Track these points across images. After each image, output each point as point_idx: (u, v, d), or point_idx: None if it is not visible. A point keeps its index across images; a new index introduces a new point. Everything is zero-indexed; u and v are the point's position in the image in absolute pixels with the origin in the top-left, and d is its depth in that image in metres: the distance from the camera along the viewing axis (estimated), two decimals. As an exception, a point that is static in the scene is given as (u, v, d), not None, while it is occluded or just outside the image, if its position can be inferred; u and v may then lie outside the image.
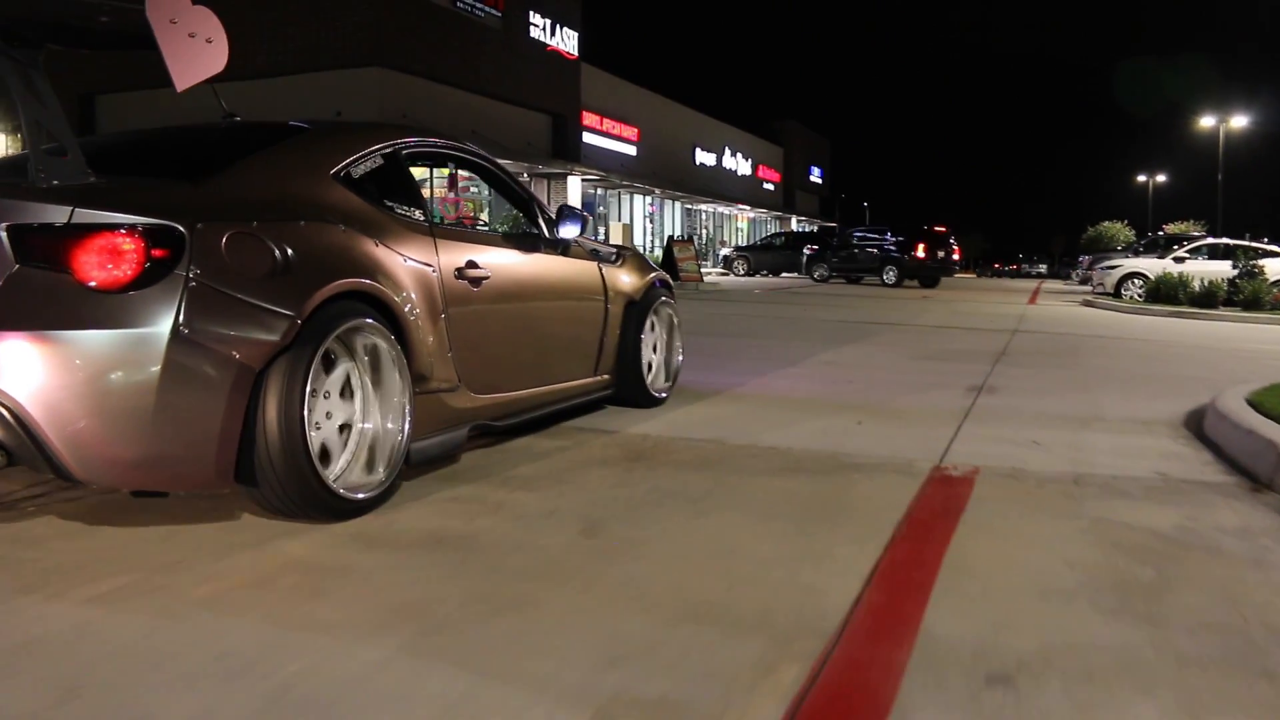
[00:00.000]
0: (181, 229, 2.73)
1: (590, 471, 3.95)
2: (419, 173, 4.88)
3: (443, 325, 3.64)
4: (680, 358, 5.95)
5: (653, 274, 5.67)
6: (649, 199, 42.38)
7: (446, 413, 3.70)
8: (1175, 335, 13.14)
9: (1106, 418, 5.68)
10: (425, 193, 4.77)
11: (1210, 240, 23.80)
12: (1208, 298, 19.22)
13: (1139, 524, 3.33)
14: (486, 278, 3.95)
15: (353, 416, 3.27)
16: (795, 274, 35.36)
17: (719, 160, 51.52)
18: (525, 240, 4.53)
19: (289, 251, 2.98)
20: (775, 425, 5.13)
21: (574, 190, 33.30)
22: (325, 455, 3.11)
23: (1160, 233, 36.59)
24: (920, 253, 29.44)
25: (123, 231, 2.65)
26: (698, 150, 48.77)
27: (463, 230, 4.37)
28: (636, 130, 40.80)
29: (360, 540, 2.97)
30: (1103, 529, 3.29)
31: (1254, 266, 19.93)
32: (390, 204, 3.66)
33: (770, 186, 60.50)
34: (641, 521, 3.25)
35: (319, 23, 26.87)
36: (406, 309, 3.39)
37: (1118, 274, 23.31)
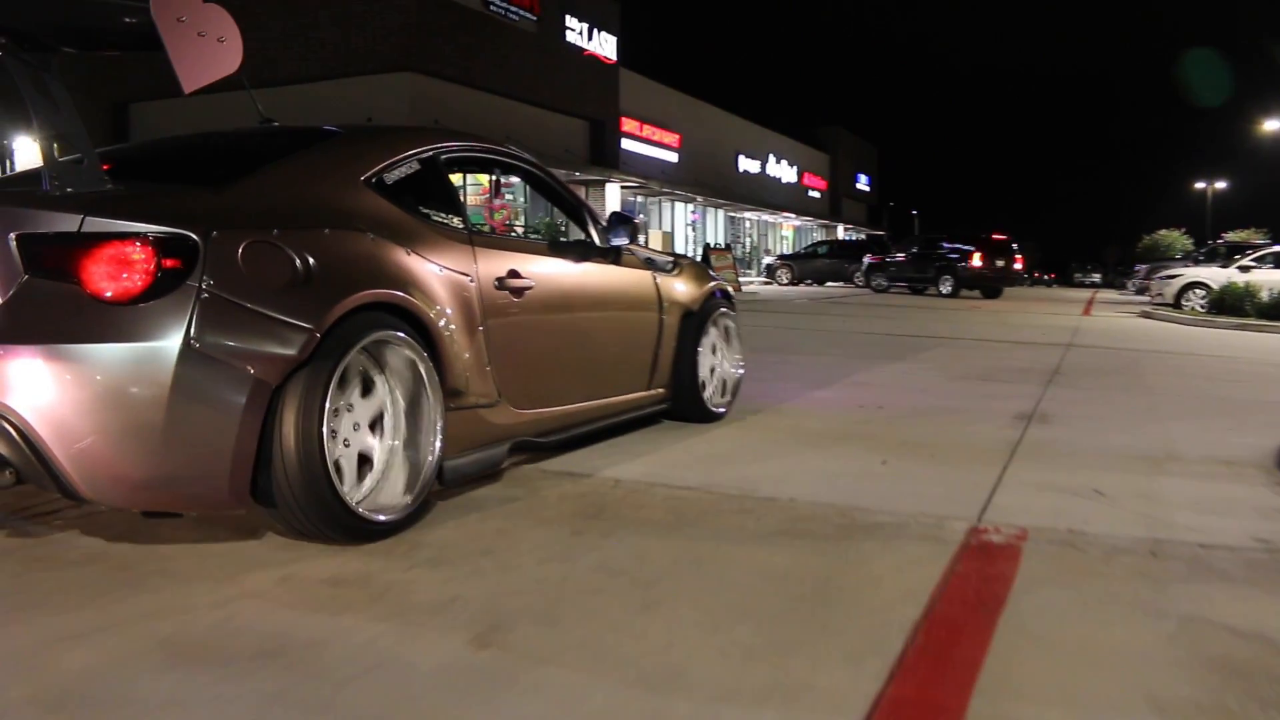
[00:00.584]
0: (195, 238, 2.63)
1: (527, 536, 3.14)
2: (462, 179, 4.83)
3: (481, 337, 3.50)
4: (740, 371, 5.72)
5: (711, 284, 5.44)
6: (690, 207, 41.55)
7: (484, 429, 3.56)
8: (1246, 351, 12.05)
9: (1182, 456, 4.77)
10: (472, 200, 4.70)
11: (1278, 248, 22.44)
12: (1278, 309, 18.01)
13: (1247, 627, 2.45)
14: (529, 287, 3.79)
15: (379, 434, 3.13)
16: (841, 283, 34.29)
17: (763, 167, 50.58)
18: (573, 248, 4.37)
19: (311, 261, 2.85)
20: (782, 465, 4.31)
21: (612, 198, 32.57)
22: (357, 473, 3.02)
23: (1220, 240, 35.09)
24: (977, 261, 27.84)
25: (133, 240, 2.56)
26: (741, 157, 47.86)
27: (504, 238, 4.27)
28: (678, 136, 39.97)
29: (174, 646, 2.20)
30: (1197, 637, 2.40)
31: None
32: (426, 211, 3.54)
33: (816, 194, 59.39)
34: (563, 620, 2.43)
35: (348, 28, 26.35)
36: (439, 321, 3.26)
37: (1178, 284, 22.06)
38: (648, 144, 37.79)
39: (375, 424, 3.12)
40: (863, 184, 69.38)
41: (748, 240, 49.08)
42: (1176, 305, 21.57)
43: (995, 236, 29.03)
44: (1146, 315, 20.58)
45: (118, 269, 2.54)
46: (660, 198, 38.34)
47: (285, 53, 26.90)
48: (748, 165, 48.77)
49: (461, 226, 3.66)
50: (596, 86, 33.38)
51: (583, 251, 4.38)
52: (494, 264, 3.64)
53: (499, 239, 4.15)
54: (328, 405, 2.77)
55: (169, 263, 2.58)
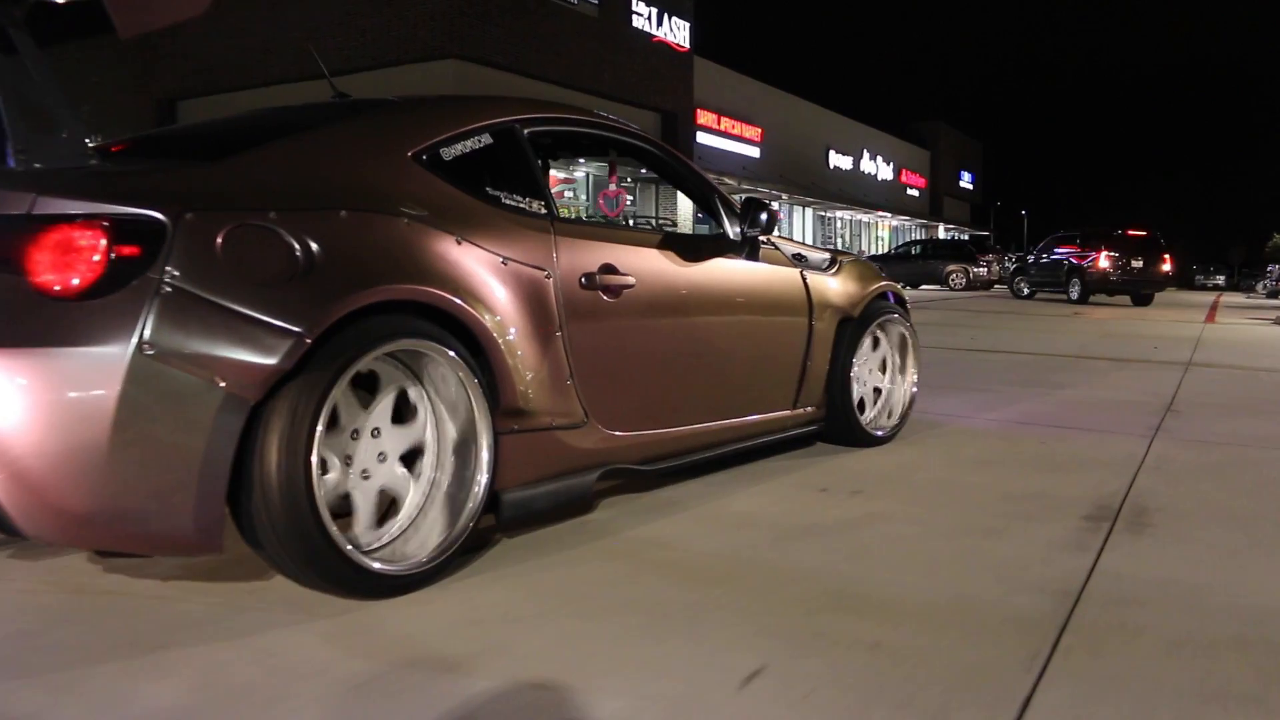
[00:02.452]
0: (163, 219, 2.21)
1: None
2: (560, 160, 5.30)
3: (560, 345, 3.01)
4: (914, 389, 5.00)
5: (877, 284, 4.74)
6: (775, 205, 38.96)
7: (564, 455, 3.07)
8: None
9: None
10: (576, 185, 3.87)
11: None
12: None
13: None
14: (629, 286, 3.26)
15: (417, 469, 2.72)
16: (936, 286, 31.40)
17: (856, 164, 47.97)
18: (691, 241, 3.79)
19: (315, 249, 2.40)
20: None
21: (683, 199, 30.35)
22: (376, 513, 2.63)
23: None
24: (1104, 263, 23.26)
25: (84, 224, 2.17)
26: (831, 153, 45.31)
27: (597, 227, 3.75)
28: (759, 130, 37.52)
29: None
30: None
31: None
32: (495, 193, 3.03)
33: (915, 192, 56.42)
34: None
35: (389, 13, 24.68)
36: (494, 324, 2.77)
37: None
38: (726, 138, 35.47)
39: (414, 456, 2.71)
40: (966, 182, 66.16)
41: (839, 240, 46.41)
42: (1322, 311, 18.49)
43: (1131, 232, 24.41)
44: (1283, 323, 17.54)
45: (64, 257, 2.15)
46: (740, 196, 35.90)
47: (328, 43, 25.44)
48: (839, 161, 46.21)
49: (542, 212, 3.14)
50: (668, 76, 31.16)
51: (705, 245, 3.79)
52: (582, 257, 3.16)
53: (591, 228, 3.59)
54: (319, 429, 2.33)
55: (125, 250, 2.18)
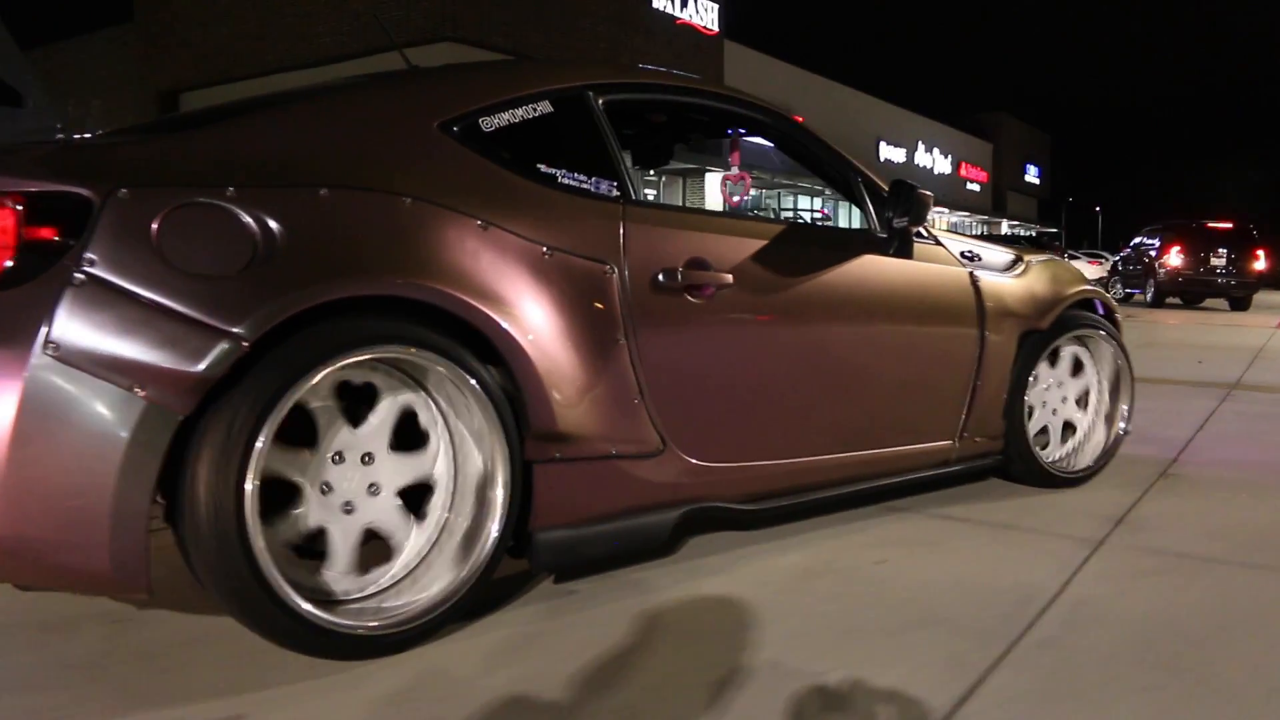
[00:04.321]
0: (90, 197, 1.95)
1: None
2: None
3: (626, 355, 2.57)
4: (1124, 424, 4.07)
5: (1076, 289, 3.91)
6: (818, 200, 36.93)
7: (630, 488, 2.65)
8: None
9: None
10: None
11: None
12: None
13: None
14: (724, 285, 2.78)
15: (427, 510, 2.42)
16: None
17: (910, 156, 45.62)
18: (817, 235, 3.75)
19: (278, 234, 2.08)
20: None
21: (712, 191, 28.42)
22: (357, 554, 2.30)
23: None
24: (1175, 259, 19.96)
25: None
26: (882, 145, 42.96)
27: (686, 214, 2.95)
28: (798, 120, 35.37)
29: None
30: None
31: None
32: (550, 170, 2.62)
33: (976, 187, 53.81)
34: None
35: (380, -8, 23.11)
36: (520, 328, 2.36)
37: None
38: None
39: (423, 493, 2.39)
40: (1032, 175, 63.22)
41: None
42: None
43: (1214, 224, 20.69)
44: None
45: None
46: (780, 190, 33.99)
47: (321, 27, 24.15)
48: (890, 153, 43.81)
49: (611, 194, 2.68)
50: (694, 61, 29.16)
51: (836, 239, 3.49)
52: (662, 249, 2.69)
53: (679, 214, 2.94)
54: (259, 446, 2.01)
55: (40, 232, 1.93)
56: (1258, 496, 3.79)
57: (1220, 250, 19.83)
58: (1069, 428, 4.02)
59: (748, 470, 2.94)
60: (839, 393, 3.18)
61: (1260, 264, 20.16)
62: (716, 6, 29.90)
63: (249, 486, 2.00)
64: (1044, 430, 3.94)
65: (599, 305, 2.55)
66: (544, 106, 2.72)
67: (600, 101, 2.84)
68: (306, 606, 2.09)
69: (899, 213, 3.27)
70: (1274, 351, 10.54)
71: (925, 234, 3.47)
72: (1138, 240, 22.98)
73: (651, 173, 27.82)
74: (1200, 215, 23.19)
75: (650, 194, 27.52)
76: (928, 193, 3.28)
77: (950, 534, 3.27)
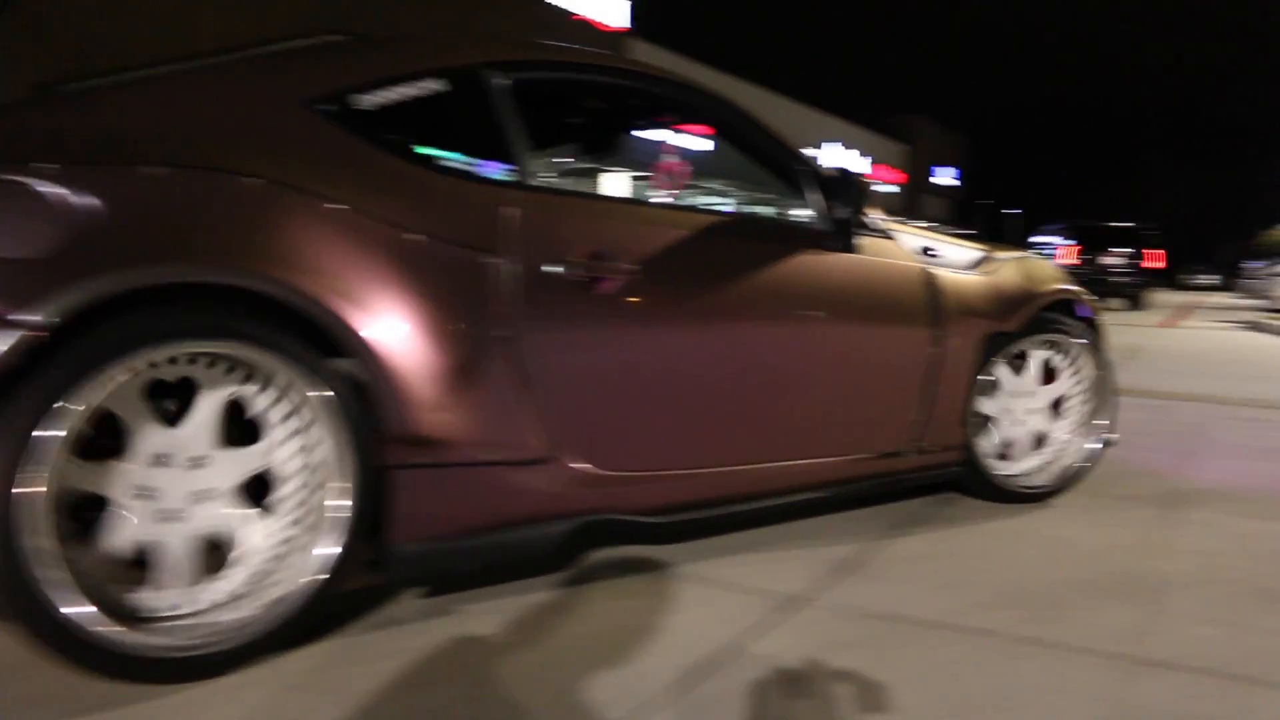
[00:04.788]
0: None
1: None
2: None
3: (509, 352, 2.38)
4: (1106, 436, 3.83)
5: (1050, 289, 3.69)
6: (730, 201, 36.75)
7: (512, 498, 2.46)
8: None
9: None
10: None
11: None
12: None
13: None
14: (631, 278, 2.56)
15: (263, 516, 2.23)
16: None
17: (827, 158, 45.56)
18: (745, 226, 3.06)
19: (100, 214, 1.94)
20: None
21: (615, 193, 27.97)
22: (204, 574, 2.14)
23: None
24: (1065, 259, 19.91)
25: None
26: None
27: (591, 200, 2.69)
28: (734, 103, 35.09)
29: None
30: None
31: None
32: (433, 152, 2.65)
33: (893, 188, 54.21)
34: None
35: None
36: (371, 320, 2.17)
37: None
38: (640, 138, 33.03)
39: (258, 502, 2.20)
40: (949, 178, 63.89)
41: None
42: (1300, 313, 16.20)
43: (1110, 225, 20.97)
44: (1255, 326, 15.22)
45: None
46: (684, 191, 33.67)
47: (199, 23, 23.30)
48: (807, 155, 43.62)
49: (502, 178, 2.53)
50: (599, 60, 28.73)
51: (766, 230, 3.07)
52: (556, 238, 2.48)
53: (583, 200, 2.64)
54: (41, 440, 1.86)
55: None
56: (1089, 522, 3.47)
57: (1116, 250, 20.06)
58: (1041, 439, 3.78)
59: (656, 481, 2.75)
60: (769, 399, 2.96)
61: (1154, 264, 20.47)
62: (628, 4, 29.53)
63: (24, 489, 1.86)
64: (1006, 443, 3.71)
65: (478, 298, 2.36)
66: (432, 84, 2.55)
67: (496, 80, 2.63)
68: (88, 624, 1.94)
69: (841, 203, 3.06)
70: (1153, 350, 10.48)
71: (877, 228, 3.25)
72: (1036, 240, 23.08)
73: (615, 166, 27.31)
74: (1115, 217, 23.27)
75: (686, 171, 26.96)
76: (866, 180, 3.12)
77: (617, 592, 2.78)
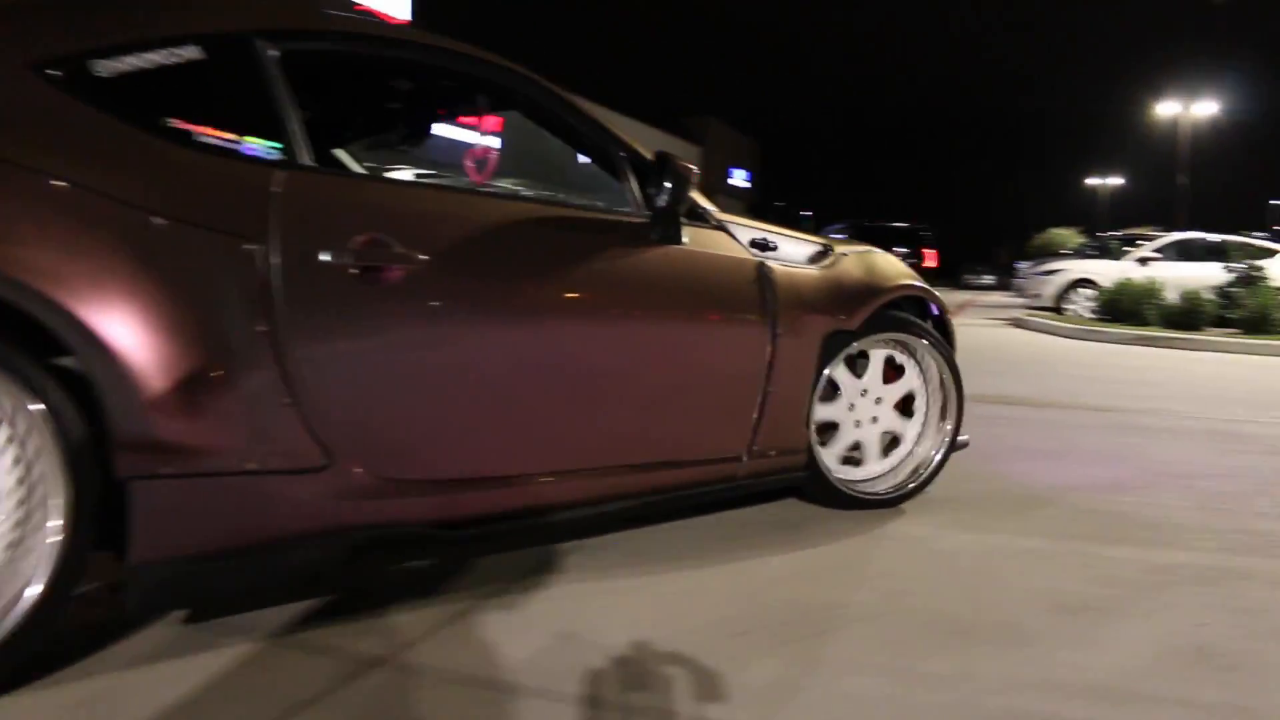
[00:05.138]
0: None
1: None
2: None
3: (273, 350, 2.17)
4: (938, 455, 3.65)
5: (895, 285, 3.56)
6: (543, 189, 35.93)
7: (280, 510, 2.23)
8: (1159, 384, 7.15)
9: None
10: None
11: (1186, 235, 17.58)
12: (1189, 315, 13.05)
13: None
14: (414, 268, 2.35)
15: None
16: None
17: (617, 158, 45.34)
18: (560, 215, 2.76)
19: None
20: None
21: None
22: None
23: (1114, 234, 30.80)
24: None
25: None
26: None
27: (377, 184, 2.70)
28: (499, 120, 34.32)
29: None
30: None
31: (1253, 269, 13.77)
32: (186, 126, 2.26)
33: (685, 189, 54.59)
34: None
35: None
36: (94, 311, 1.95)
37: (1059, 280, 17.14)
38: (443, 123, 32.06)
39: None
40: (741, 179, 64.99)
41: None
42: (1057, 309, 16.70)
43: (887, 224, 22.06)
44: (1018, 323, 15.55)
45: None
46: (493, 180, 32.68)
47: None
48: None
49: (267, 157, 2.32)
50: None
51: (582, 221, 2.80)
52: (329, 223, 2.27)
53: (363, 183, 2.65)
54: None
55: None
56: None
57: (895, 249, 20.31)
58: (893, 442, 3.64)
59: (451, 491, 2.53)
60: (580, 402, 2.75)
61: (929, 262, 21.45)
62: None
63: None
64: (858, 445, 3.57)
65: (234, 289, 2.14)
66: (191, 51, 2.31)
67: (267, 49, 2.39)
68: None
69: (660, 192, 2.86)
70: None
71: (707, 218, 3.07)
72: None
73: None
74: (901, 217, 24.00)
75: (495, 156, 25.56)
76: (690, 166, 2.86)
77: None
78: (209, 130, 2.29)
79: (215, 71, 2.34)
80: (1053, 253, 32.83)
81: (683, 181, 2.85)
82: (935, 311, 3.79)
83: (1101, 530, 3.32)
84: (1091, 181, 66.95)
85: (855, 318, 3.35)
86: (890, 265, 3.70)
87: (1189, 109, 39.93)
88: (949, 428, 3.67)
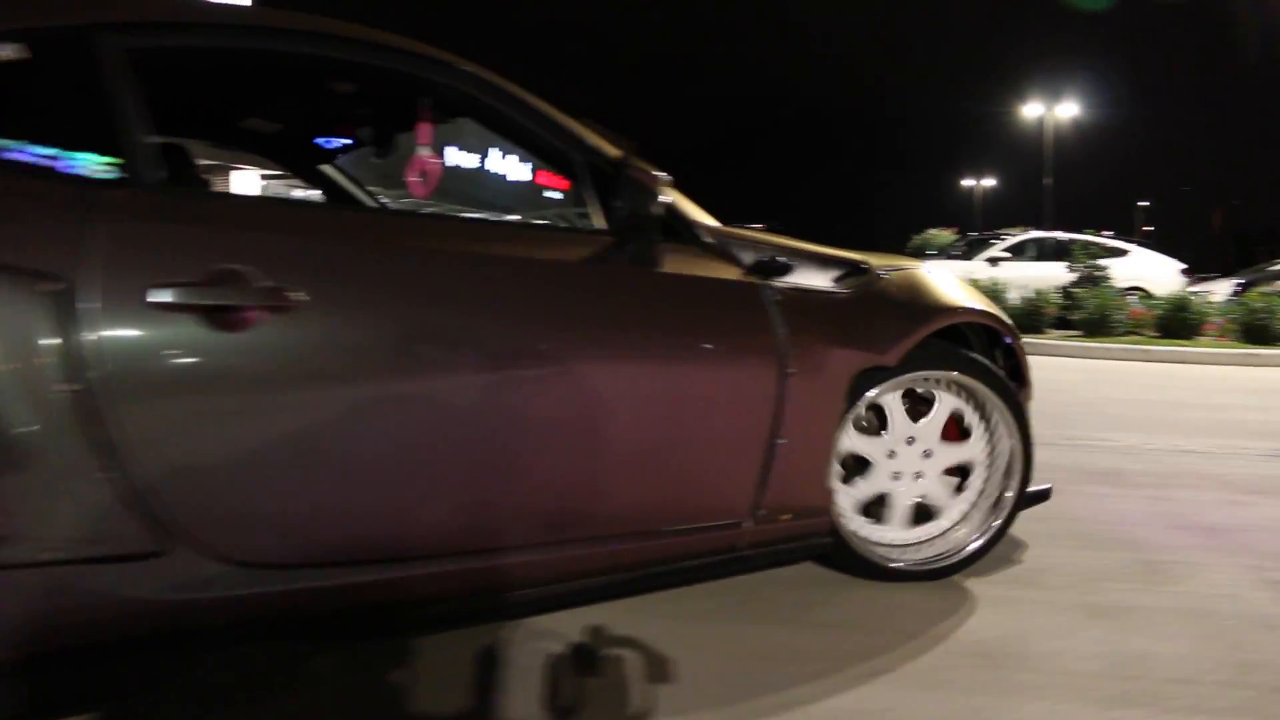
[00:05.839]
0: None
1: None
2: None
3: (90, 411, 1.83)
4: (1000, 517, 3.09)
5: (945, 312, 3.02)
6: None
7: (89, 611, 1.87)
8: None
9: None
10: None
11: (1037, 234, 17.23)
12: (1030, 316, 12.56)
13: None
14: (292, 303, 1.99)
15: None
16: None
17: (483, 162, 45.24)
18: (496, 234, 2.39)
19: None
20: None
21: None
22: None
23: (986, 233, 31.05)
24: None
25: None
26: (451, 149, 41.84)
27: (244, 206, 2.26)
28: (430, 125, 33.33)
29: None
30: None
31: (1095, 269, 13.33)
32: None
33: (559, 194, 54.27)
34: None
35: None
36: None
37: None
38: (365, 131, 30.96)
39: None
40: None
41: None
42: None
43: (746, 225, 22.23)
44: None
45: None
46: (435, 196, 31.52)
47: None
48: (461, 159, 43.34)
49: (93, 175, 1.99)
50: None
51: (525, 240, 2.46)
52: (171, 255, 1.92)
53: (212, 203, 2.15)
54: None
55: None
56: None
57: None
58: (928, 508, 3.09)
59: (332, 573, 2.07)
60: (513, 463, 2.27)
61: None
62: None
63: None
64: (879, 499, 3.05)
65: (33, 338, 1.78)
66: (8, 49, 1.98)
67: (108, 45, 2.03)
68: None
69: (624, 202, 2.39)
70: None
71: (695, 234, 2.60)
72: None
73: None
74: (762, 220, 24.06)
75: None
76: (656, 173, 2.38)
77: None
78: (20, 142, 1.94)
79: (37, 74, 2.00)
80: (924, 254, 33.01)
81: (643, 191, 2.38)
82: (988, 335, 3.24)
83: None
84: (966, 183, 68.24)
85: (894, 351, 2.84)
86: (942, 285, 3.12)
87: (1053, 110, 40.79)
88: (1014, 477, 3.08)
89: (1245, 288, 15.44)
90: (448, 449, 2.22)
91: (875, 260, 3.02)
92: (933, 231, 43.14)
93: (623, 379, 2.42)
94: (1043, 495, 3.25)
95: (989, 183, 68.43)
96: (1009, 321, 3.25)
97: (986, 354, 3.24)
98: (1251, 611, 2.77)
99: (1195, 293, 13.05)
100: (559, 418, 2.34)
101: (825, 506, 2.81)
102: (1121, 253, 15.66)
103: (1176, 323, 11.86)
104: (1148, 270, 15.42)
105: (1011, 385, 3.09)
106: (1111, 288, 12.95)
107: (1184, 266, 16.27)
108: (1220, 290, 15.88)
